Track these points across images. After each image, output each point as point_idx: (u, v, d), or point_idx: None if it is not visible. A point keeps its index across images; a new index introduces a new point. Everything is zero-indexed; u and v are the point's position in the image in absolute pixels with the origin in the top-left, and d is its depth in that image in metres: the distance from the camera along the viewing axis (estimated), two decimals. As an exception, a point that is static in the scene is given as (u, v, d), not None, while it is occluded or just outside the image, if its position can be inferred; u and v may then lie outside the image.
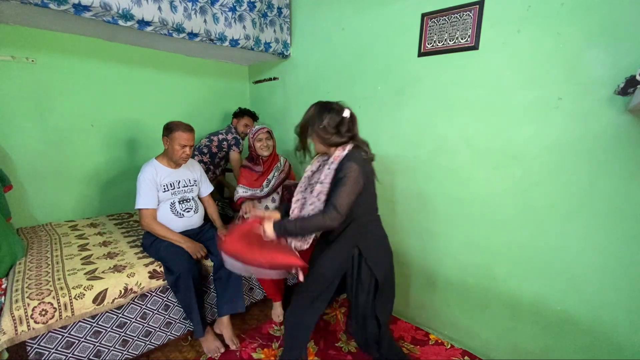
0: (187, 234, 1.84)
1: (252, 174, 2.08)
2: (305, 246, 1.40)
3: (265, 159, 2.07)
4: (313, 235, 1.42)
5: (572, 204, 1.40)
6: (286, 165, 2.21)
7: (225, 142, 2.50)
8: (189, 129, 1.78)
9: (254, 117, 2.70)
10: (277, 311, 2.09)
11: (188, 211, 1.86)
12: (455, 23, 1.62)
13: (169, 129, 1.75)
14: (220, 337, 1.83)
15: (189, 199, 1.88)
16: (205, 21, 1.95)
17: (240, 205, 2.06)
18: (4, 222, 1.66)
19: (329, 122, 1.29)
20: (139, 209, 1.73)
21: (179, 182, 1.84)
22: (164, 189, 1.78)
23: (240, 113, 2.65)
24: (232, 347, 1.80)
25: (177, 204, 1.82)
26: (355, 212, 1.30)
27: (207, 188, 2.03)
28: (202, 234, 1.93)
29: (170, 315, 1.73)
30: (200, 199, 2.01)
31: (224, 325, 1.83)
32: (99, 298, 1.44)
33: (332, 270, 1.37)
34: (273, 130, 2.11)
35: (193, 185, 1.92)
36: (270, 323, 2.05)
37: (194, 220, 1.89)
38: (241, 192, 2.05)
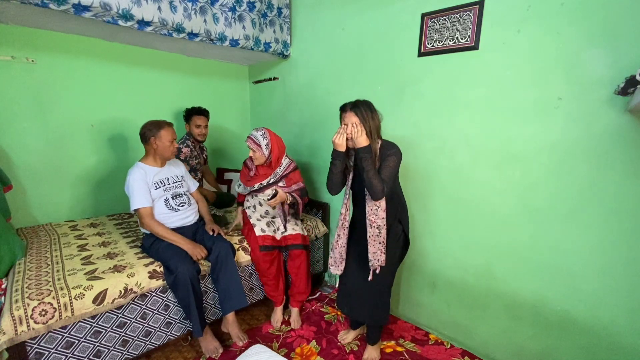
0: (185, 229, 1.86)
1: (247, 172, 2.11)
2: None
3: (261, 166, 2.02)
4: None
5: (572, 204, 1.40)
6: (288, 169, 2.07)
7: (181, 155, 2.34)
8: (170, 123, 1.85)
9: (203, 113, 2.43)
10: (277, 316, 2.06)
11: (182, 205, 1.88)
12: (455, 23, 1.62)
13: (154, 130, 1.78)
14: (226, 335, 1.87)
15: (181, 194, 1.91)
16: (205, 21, 1.95)
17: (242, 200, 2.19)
18: (4, 222, 1.66)
19: (379, 118, 1.50)
20: (137, 210, 1.74)
21: (168, 178, 1.87)
22: (156, 186, 1.80)
23: (187, 115, 2.42)
24: (240, 344, 1.82)
25: (170, 199, 1.85)
26: (397, 190, 1.61)
27: (193, 184, 2.07)
28: (199, 232, 1.94)
29: (170, 315, 1.73)
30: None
31: (229, 323, 1.84)
32: (99, 298, 1.44)
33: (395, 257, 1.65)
34: (273, 130, 2.03)
35: (182, 181, 1.96)
36: (271, 323, 2.05)
37: (189, 213, 1.91)
38: (240, 189, 2.14)
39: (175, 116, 2.66)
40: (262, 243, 1.95)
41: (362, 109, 1.44)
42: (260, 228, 2.02)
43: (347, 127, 1.44)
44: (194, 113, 2.42)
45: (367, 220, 1.50)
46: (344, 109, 1.49)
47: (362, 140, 1.41)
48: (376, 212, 1.49)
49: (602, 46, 1.26)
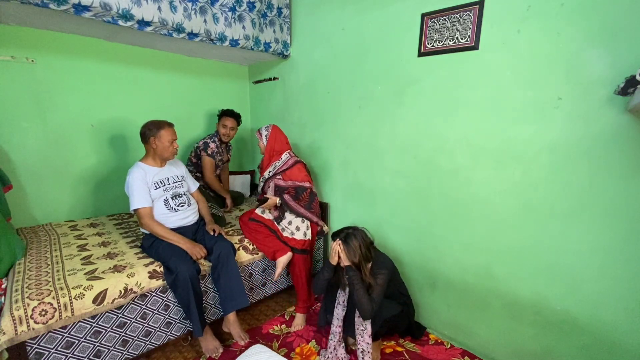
0: (185, 229, 1.86)
1: (262, 165, 2.27)
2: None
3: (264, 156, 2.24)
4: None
5: (572, 204, 1.40)
6: (286, 164, 2.15)
7: (198, 150, 2.52)
8: (171, 124, 1.86)
9: (232, 115, 2.56)
10: (277, 271, 2.02)
11: (182, 205, 1.88)
12: (455, 23, 1.62)
13: (153, 129, 1.79)
14: (227, 335, 1.87)
15: (181, 194, 1.91)
16: (205, 21, 1.95)
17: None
18: (4, 222, 1.66)
19: (367, 245, 1.69)
20: (136, 210, 1.74)
21: (168, 179, 1.88)
22: (156, 186, 1.80)
23: (220, 114, 2.58)
24: (241, 343, 1.82)
25: (170, 200, 1.85)
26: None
27: (193, 184, 2.08)
28: (200, 232, 1.94)
29: (170, 315, 1.73)
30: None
31: (230, 322, 1.85)
32: (99, 298, 1.44)
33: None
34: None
35: (182, 181, 1.96)
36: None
37: (188, 213, 1.91)
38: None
39: (175, 116, 2.65)
40: (254, 217, 2.11)
41: (350, 244, 1.61)
42: (261, 210, 2.14)
43: (335, 250, 1.64)
44: (224, 114, 2.55)
45: (355, 338, 1.62)
46: (334, 237, 1.67)
47: (346, 261, 1.61)
48: (362, 334, 1.59)
49: (602, 46, 1.26)
